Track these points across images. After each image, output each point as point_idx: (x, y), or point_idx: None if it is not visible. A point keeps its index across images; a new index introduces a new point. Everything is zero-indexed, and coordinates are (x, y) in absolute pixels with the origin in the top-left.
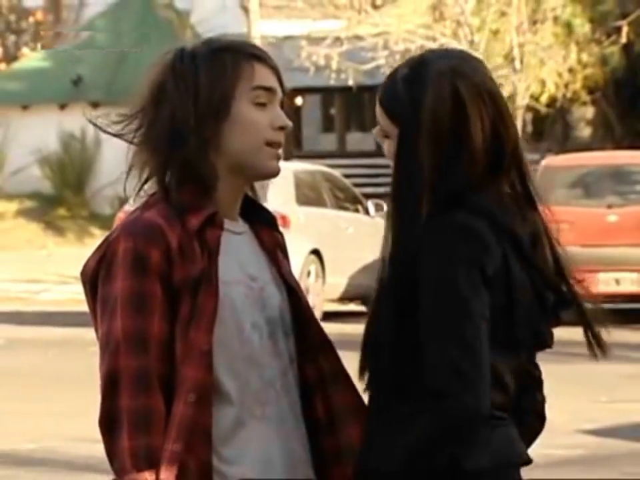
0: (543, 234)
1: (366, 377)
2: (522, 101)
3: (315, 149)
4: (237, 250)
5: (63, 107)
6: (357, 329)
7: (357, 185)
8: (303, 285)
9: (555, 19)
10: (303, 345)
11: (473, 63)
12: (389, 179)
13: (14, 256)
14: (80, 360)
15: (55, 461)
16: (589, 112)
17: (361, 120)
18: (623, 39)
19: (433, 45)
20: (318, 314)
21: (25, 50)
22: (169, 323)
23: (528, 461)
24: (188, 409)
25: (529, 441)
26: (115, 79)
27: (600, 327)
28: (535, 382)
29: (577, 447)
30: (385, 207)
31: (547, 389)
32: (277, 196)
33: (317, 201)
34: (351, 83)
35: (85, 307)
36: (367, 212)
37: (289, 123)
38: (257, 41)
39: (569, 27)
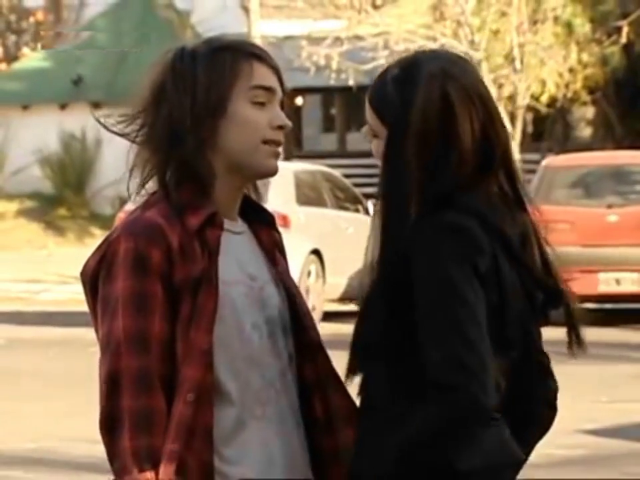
0: (531, 234)
1: (354, 378)
2: (522, 101)
3: (315, 149)
4: (237, 250)
5: (63, 107)
6: None
7: (357, 185)
8: (303, 285)
9: (556, 18)
10: (302, 344)
11: (464, 65)
12: None
13: (14, 256)
14: (80, 360)
15: (55, 461)
16: (590, 112)
17: (362, 120)
18: (624, 39)
19: (433, 45)
20: (318, 314)
21: (25, 50)
22: (170, 323)
23: (521, 461)
24: (187, 408)
25: (541, 431)
26: (116, 79)
27: (583, 327)
28: (546, 371)
29: (577, 447)
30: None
31: None
32: (277, 196)
33: (317, 201)
34: (351, 82)
35: (85, 307)
36: (367, 212)
37: (288, 123)
38: (257, 41)
39: (569, 26)
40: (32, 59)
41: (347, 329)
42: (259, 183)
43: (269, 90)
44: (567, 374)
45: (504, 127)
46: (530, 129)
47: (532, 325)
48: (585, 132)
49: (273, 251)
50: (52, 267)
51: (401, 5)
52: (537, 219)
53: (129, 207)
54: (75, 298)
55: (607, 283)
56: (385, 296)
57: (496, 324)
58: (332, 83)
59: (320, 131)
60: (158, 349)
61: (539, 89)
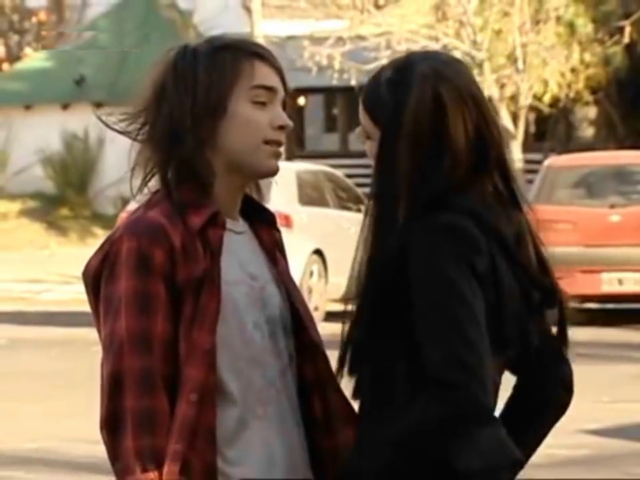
0: (527, 233)
1: (342, 378)
2: (525, 101)
3: (317, 148)
4: (238, 249)
5: (65, 107)
6: None
7: (359, 185)
8: (305, 285)
9: (558, 18)
10: (302, 344)
11: (457, 66)
12: None
13: (16, 256)
14: (82, 360)
15: (55, 461)
16: (592, 112)
17: None
18: (626, 39)
19: (435, 45)
20: (321, 314)
21: (27, 50)
22: (173, 323)
23: (519, 461)
24: (190, 408)
25: (557, 413)
26: (118, 79)
27: (571, 326)
28: (558, 356)
29: (579, 447)
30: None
31: None
32: (280, 196)
33: (320, 201)
34: (353, 82)
35: (87, 307)
36: None
37: (289, 123)
38: (260, 41)
39: (571, 26)
40: (34, 59)
41: None
42: (262, 182)
43: (270, 90)
44: None
45: (498, 128)
46: (532, 128)
47: (529, 324)
48: (588, 132)
49: (274, 251)
50: (54, 267)
51: (404, 4)
52: (532, 218)
53: (131, 206)
54: (77, 298)
55: (609, 283)
56: (373, 296)
57: (493, 323)
58: (334, 83)
59: (322, 131)
60: (161, 349)
61: (541, 89)
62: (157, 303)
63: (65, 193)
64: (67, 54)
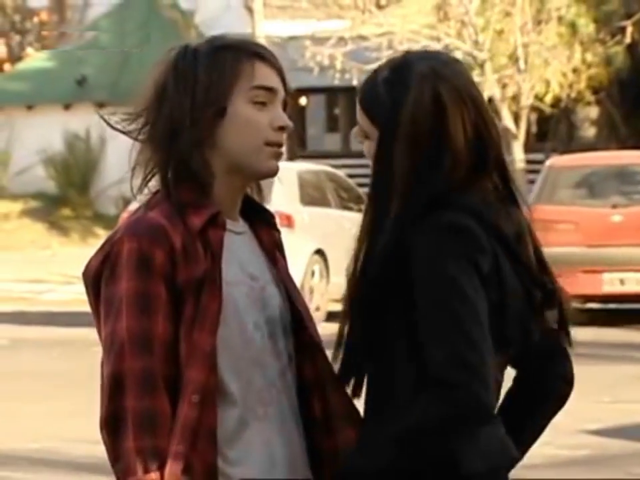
0: (526, 232)
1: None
2: (526, 101)
3: (319, 149)
4: (238, 250)
5: (67, 107)
6: None
7: (361, 185)
8: (307, 285)
9: (560, 18)
10: (301, 344)
11: (455, 66)
12: None
13: (18, 256)
14: (83, 360)
15: (56, 462)
16: (594, 112)
17: None
18: (628, 39)
19: (437, 46)
20: (322, 314)
21: (29, 50)
22: (173, 324)
23: (517, 460)
24: (192, 410)
25: (557, 404)
26: (119, 79)
27: (573, 327)
28: (562, 350)
29: (580, 447)
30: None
31: None
32: (281, 196)
33: (321, 201)
34: (355, 83)
35: (89, 307)
36: None
37: (289, 123)
38: (261, 41)
39: (573, 27)
40: (36, 59)
41: None
42: (262, 182)
43: (270, 90)
44: None
45: (496, 128)
46: (534, 129)
47: (531, 323)
48: (589, 132)
49: (273, 251)
50: (56, 267)
51: (405, 5)
52: (530, 218)
53: (133, 206)
54: (78, 298)
55: (611, 283)
56: (368, 296)
57: (496, 322)
58: (336, 83)
59: (324, 131)
60: (161, 349)
61: (542, 89)
62: (158, 304)
63: (66, 193)
64: (69, 54)
